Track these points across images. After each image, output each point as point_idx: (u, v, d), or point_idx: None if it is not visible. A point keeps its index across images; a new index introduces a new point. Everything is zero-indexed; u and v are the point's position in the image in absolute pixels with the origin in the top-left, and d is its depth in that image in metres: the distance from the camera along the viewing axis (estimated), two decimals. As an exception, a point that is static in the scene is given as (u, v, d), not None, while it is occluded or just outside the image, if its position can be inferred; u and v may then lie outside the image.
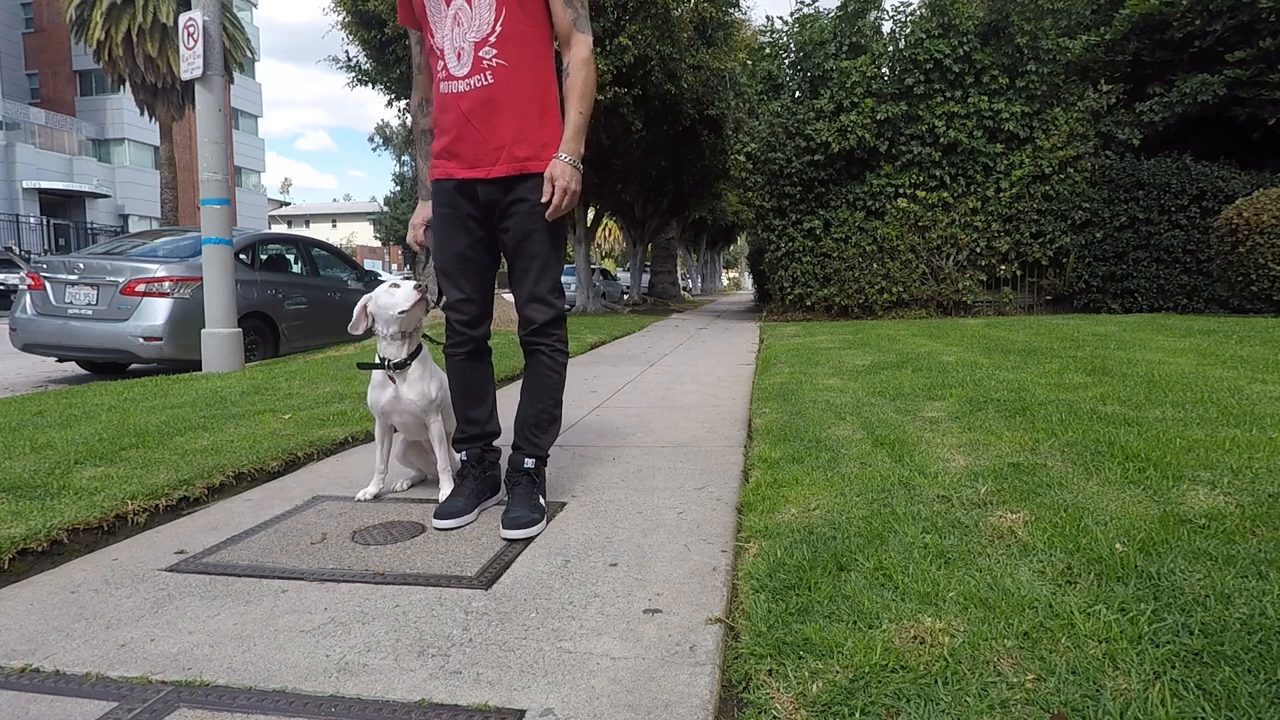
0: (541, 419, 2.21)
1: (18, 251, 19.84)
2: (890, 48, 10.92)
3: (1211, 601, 1.42)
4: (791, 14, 11.75)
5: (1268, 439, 2.57)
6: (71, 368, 7.18)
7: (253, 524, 2.19)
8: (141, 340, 5.98)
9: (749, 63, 12.78)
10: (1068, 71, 10.62)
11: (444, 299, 2.21)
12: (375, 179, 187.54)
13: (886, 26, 11.40)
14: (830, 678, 1.25)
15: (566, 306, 2.30)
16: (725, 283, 65.53)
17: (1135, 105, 10.57)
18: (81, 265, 6.22)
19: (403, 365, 2.28)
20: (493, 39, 2.01)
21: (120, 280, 6.05)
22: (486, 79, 2.03)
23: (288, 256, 8.09)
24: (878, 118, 10.60)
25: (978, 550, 1.75)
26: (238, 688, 1.30)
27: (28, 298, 6.30)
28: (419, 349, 2.33)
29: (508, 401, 2.49)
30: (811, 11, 11.63)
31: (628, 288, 22.90)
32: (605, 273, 25.75)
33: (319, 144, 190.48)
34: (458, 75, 2.05)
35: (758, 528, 1.99)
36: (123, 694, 1.29)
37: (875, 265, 10.91)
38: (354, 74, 14.83)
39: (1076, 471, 2.32)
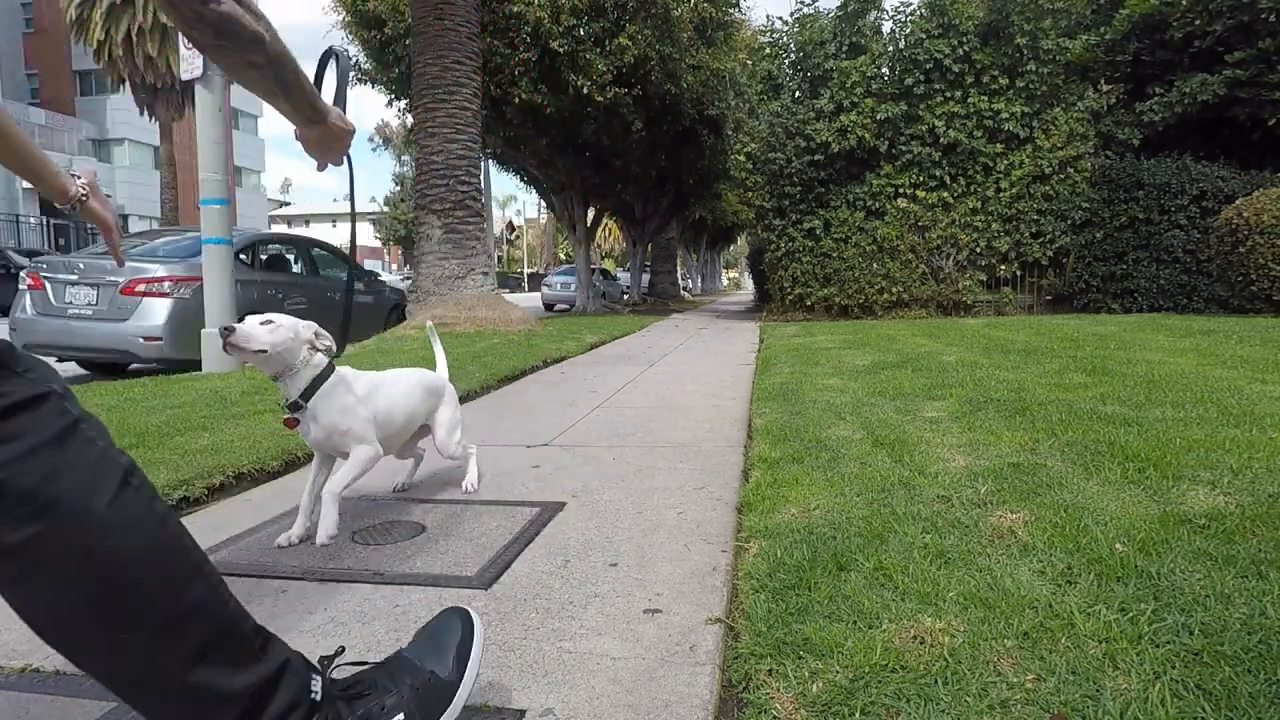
0: None
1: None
2: (890, 48, 10.93)
3: (1211, 601, 1.42)
4: (791, 14, 11.77)
5: (1268, 439, 2.57)
6: (71, 367, 7.18)
7: (253, 524, 2.19)
8: (141, 340, 5.97)
9: (749, 63, 12.79)
10: (1068, 71, 10.62)
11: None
12: (375, 178, 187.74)
13: (886, 26, 11.42)
14: (830, 678, 1.25)
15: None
16: (725, 283, 65.56)
17: (1135, 105, 10.57)
18: (81, 265, 6.22)
19: (297, 406, 1.97)
20: None
21: (120, 280, 6.05)
22: None
23: (287, 256, 8.09)
24: (878, 118, 10.60)
25: (978, 550, 1.75)
26: (238, 688, 1.30)
27: (28, 297, 6.30)
28: (319, 381, 1.98)
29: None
30: (811, 11, 11.65)
31: (628, 287, 22.91)
32: (605, 272, 25.73)
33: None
34: None
35: (758, 528, 1.99)
36: (123, 694, 1.29)
37: (875, 265, 10.91)
38: (353, 73, 14.85)
39: (1076, 471, 2.32)
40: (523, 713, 1.21)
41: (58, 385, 0.83)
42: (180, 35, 5.90)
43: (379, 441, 2.13)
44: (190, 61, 5.83)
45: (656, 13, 12.77)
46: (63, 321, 6.10)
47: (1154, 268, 10.12)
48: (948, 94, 10.64)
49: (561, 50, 12.57)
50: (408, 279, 17.27)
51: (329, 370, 2.02)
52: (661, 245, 24.20)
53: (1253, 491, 2.04)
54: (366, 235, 67.03)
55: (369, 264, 41.79)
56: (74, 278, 6.13)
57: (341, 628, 1.51)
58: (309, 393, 1.98)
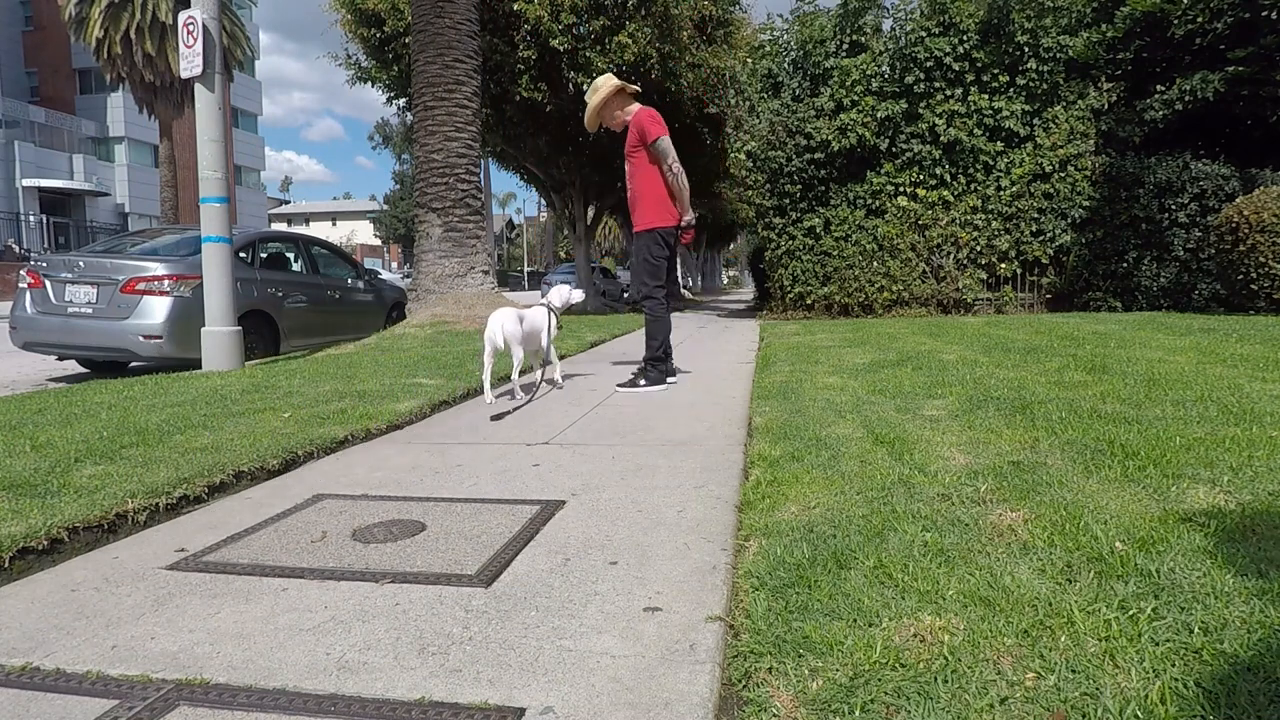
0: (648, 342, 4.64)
1: (18, 250, 19.85)
2: (890, 46, 10.91)
3: (1211, 600, 1.42)
4: (792, 12, 11.74)
5: (1267, 437, 2.57)
6: (71, 366, 7.18)
7: (253, 522, 2.19)
8: (141, 339, 5.97)
9: (749, 60, 12.77)
10: (1068, 69, 10.60)
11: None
12: (375, 176, 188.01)
13: (887, 24, 11.39)
14: (830, 675, 1.25)
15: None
16: (725, 281, 65.59)
17: (1136, 103, 10.55)
18: (81, 263, 6.21)
19: None
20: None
21: (120, 278, 6.05)
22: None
23: (288, 255, 8.09)
24: (878, 116, 10.58)
25: (978, 548, 1.75)
26: (238, 686, 1.30)
27: (28, 296, 6.30)
28: None
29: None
30: (812, 9, 11.62)
31: (627, 286, 22.88)
32: (605, 271, 25.72)
33: (326, 133, 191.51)
34: None
35: (758, 526, 1.99)
36: (123, 692, 1.29)
37: (875, 264, 10.90)
38: (353, 71, 14.84)
39: (1076, 470, 2.32)
40: (522, 711, 1.21)
41: None
42: (179, 33, 5.87)
43: None
44: (190, 60, 5.82)
45: (656, 10, 12.76)
46: (62, 320, 6.09)
47: (1154, 266, 10.10)
48: (948, 92, 10.62)
49: (561, 48, 12.55)
50: (408, 277, 17.25)
51: None
52: (662, 243, 24.10)
53: (1253, 489, 2.04)
54: (367, 233, 67.07)
55: (369, 262, 41.76)
56: (74, 276, 6.13)
57: (341, 626, 1.51)
58: None
